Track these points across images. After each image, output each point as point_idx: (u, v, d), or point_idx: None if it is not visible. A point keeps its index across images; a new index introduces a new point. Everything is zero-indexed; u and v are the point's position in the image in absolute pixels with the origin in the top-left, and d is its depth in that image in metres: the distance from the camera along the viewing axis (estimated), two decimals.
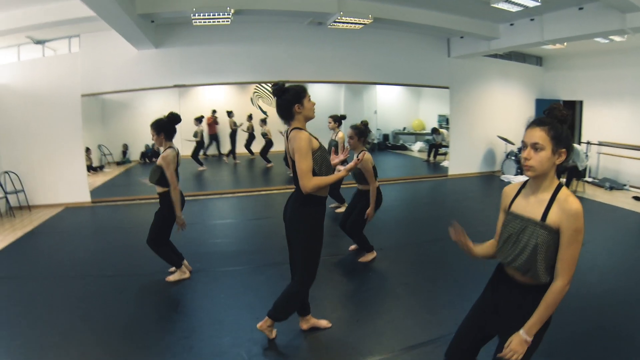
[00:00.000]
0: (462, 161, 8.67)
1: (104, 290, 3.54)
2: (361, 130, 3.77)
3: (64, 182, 6.62)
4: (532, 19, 6.12)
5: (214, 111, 9.15)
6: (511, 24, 6.57)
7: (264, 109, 9.67)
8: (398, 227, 5.39)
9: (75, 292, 3.51)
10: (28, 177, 6.40)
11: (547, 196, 1.49)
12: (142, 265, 3.99)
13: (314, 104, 2.43)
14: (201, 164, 8.72)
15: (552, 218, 1.45)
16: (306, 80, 8.20)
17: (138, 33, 5.60)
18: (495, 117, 8.74)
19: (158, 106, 8.42)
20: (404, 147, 11.29)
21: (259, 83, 8.85)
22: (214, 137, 9.37)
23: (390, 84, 8.64)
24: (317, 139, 2.42)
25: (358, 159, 2.48)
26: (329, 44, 7.53)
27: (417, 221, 5.63)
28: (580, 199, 6.21)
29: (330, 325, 2.82)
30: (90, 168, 8.22)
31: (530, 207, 1.52)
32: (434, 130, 10.07)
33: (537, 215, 1.48)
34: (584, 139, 8.10)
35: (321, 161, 2.37)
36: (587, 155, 7.37)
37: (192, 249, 4.27)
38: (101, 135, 8.76)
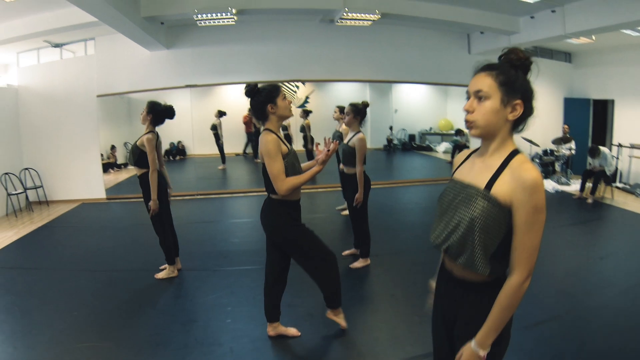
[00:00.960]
0: None
1: (111, 283, 3.66)
2: (358, 109, 3.65)
3: (80, 179, 6.89)
4: (553, 10, 5.68)
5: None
6: (531, 17, 6.14)
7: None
8: (394, 232, 5.14)
9: (83, 284, 3.65)
10: (47, 174, 6.71)
11: (497, 162, 1.18)
12: (152, 261, 4.01)
13: (289, 102, 2.38)
14: (223, 161, 8.73)
15: (501, 189, 1.13)
16: (319, 79, 8.13)
17: (144, 35, 5.73)
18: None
19: (184, 104, 8.65)
20: (429, 148, 10.94)
21: (277, 82, 8.84)
22: (251, 135, 9.36)
23: (406, 82, 8.35)
24: (287, 144, 2.37)
25: (328, 152, 2.29)
26: (341, 42, 7.38)
27: (417, 226, 5.36)
28: (608, 206, 5.88)
29: (299, 334, 2.69)
30: (115, 165, 8.56)
31: (474, 172, 1.22)
32: (458, 132, 9.67)
33: (480, 182, 1.18)
34: (614, 140, 7.44)
35: (290, 168, 2.31)
36: (616, 159, 6.76)
37: (207, 248, 4.42)
38: (127, 133, 9.08)
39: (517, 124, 1.20)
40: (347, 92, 10.79)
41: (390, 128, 10.64)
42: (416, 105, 11.13)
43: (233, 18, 5.74)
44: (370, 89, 10.92)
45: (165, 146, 9.47)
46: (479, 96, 1.16)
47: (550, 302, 3.06)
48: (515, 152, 1.18)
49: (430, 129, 11.08)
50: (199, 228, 5.40)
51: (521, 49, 1.20)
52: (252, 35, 7.11)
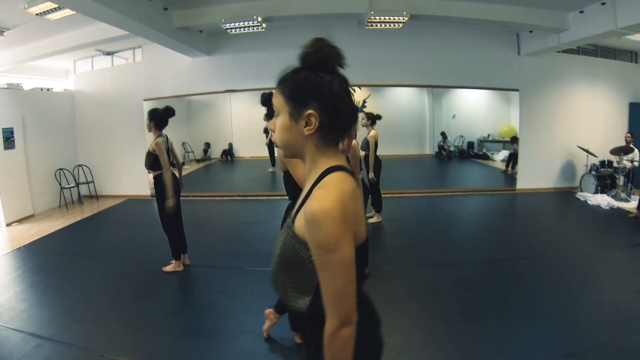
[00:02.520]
0: (533, 174, 7.52)
1: (129, 272, 4.07)
2: (371, 116, 5.03)
3: (127, 176, 7.48)
4: (603, 3, 5.07)
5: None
6: (581, 12, 5.53)
7: None
8: (408, 244, 4.94)
9: (108, 270, 4.11)
10: (98, 170, 7.39)
11: (309, 186, 1.03)
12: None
13: None
14: (273, 164, 8.81)
15: (299, 220, 0.99)
16: (358, 84, 8.02)
17: (180, 45, 6.10)
18: (576, 124, 7.40)
19: (240, 107, 9.07)
20: (485, 156, 10.31)
21: None
22: None
23: (451, 86, 7.98)
24: None
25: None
26: (380, 45, 7.18)
27: (430, 238, 5.09)
28: None
29: None
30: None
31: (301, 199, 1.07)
32: (514, 139, 8.99)
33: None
34: None
35: None
36: None
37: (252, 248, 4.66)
38: (185, 133, 9.71)
39: (330, 136, 1.02)
40: (404, 97, 10.60)
41: (442, 134, 10.20)
42: (476, 110, 10.57)
43: (261, 25, 5.88)
44: (427, 93, 10.60)
45: (223, 146, 10.02)
46: (276, 113, 1.06)
47: (594, 330, 2.81)
48: (326, 173, 1.00)
49: (489, 135, 10.44)
50: (241, 228, 5.61)
51: (321, 38, 1.01)
52: (286, 41, 7.19)
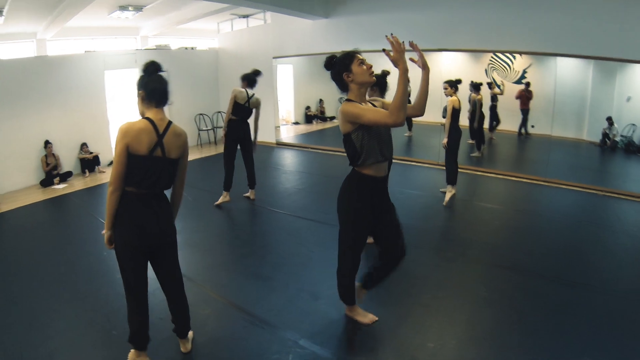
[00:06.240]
0: None
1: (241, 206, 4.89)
2: (452, 82, 4.85)
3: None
4: None
5: (528, 84, 7.71)
6: None
7: (498, 82, 8.75)
8: (529, 245, 3.72)
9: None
10: None
11: None
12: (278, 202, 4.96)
13: (368, 66, 2.15)
14: (478, 147, 7.42)
15: None
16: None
17: (278, 9, 6.61)
18: None
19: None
20: None
21: (427, 50, 8.31)
22: (526, 112, 8.00)
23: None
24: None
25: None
26: (495, 5, 6.27)
27: (561, 246, 3.74)
28: None
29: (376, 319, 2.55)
30: (318, 117, 9.77)
31: None
32: None
33: None
34: None
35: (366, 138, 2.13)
36: None
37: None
38: (324, 89, 10.38)
39: (148, 102, 1.97)
40: (566, 70, 8.82)
41: (609, 120, 8.19)
42: None
43: None
44: (593, 68, 8.72)
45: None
46: None
47: None
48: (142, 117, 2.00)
49: None
50: None
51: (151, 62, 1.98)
52: (401, 3, 6.98)
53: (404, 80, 1.88)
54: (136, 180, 1.87)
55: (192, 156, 7.54)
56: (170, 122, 1.96)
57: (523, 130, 8.02)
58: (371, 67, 2.14)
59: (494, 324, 2.46)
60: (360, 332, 2.42)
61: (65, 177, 6.24)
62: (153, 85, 1.93)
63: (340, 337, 2.41)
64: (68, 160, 6.47)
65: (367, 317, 2.49)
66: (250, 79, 4.79)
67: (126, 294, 2.03)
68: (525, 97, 7.81)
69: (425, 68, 2.13)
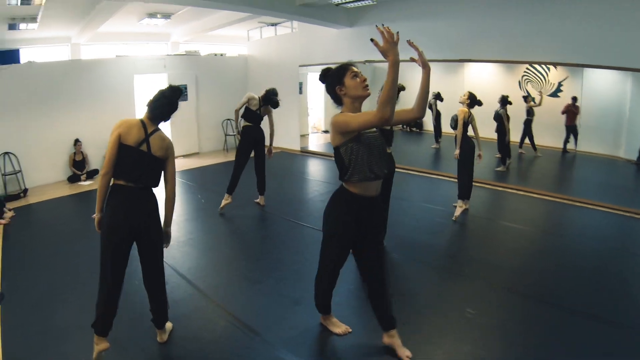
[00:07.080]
0: None
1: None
2: (474, 97, 4.54)
3: (283, 132, 8.71)
4: None
5: (575, 98, 7.12)
6: None
7: (532, 95, 8.28)
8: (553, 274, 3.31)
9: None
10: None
11: None
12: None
13: (362, 79, 2.06)
14: (504, 162, 6.80)
15: None
16: (494, 60, 6.89)
17: (301, 18, 6.75)
18: None
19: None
20: None
21: (447, 60, 8.05)
22: (572, 128, 7.27)
23: (607, 67, 5.62)
24: None
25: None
26: (523, 15, 6.01)
27: (591, 275, 3.30)
28: None
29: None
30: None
31: None
32: None
33: None
34: None
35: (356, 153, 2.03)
36: None
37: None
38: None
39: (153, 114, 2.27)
40: (602, 82, 8.19)
41: None
42: None
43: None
44: (632, 79, 8.11)
45: None
46: None
47: None
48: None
49: None
50: None
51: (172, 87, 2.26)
52: (424, 12, 6.87)
53: (393, 73, 1.75)
54: (124, 170, 2.10)
55: (217, 160, 7.77)
56: (158, 129, 2.23)
57: (569, 147, 7.33)
58: (365, 79, 2.04)
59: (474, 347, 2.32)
60: (332, 342, 2.40)
61: (92, 174, 6.57)
62: (158, 104, 2.20)
63: (311, 345, 2.39)
64: (95, 159, 6.78)
65: (340, 328, 2.45)
66: (266, 98, 4.83)
67: (100, 279, 2.11)
68: (572, 112, 7.18)
69: (425, 67, 2.05)
